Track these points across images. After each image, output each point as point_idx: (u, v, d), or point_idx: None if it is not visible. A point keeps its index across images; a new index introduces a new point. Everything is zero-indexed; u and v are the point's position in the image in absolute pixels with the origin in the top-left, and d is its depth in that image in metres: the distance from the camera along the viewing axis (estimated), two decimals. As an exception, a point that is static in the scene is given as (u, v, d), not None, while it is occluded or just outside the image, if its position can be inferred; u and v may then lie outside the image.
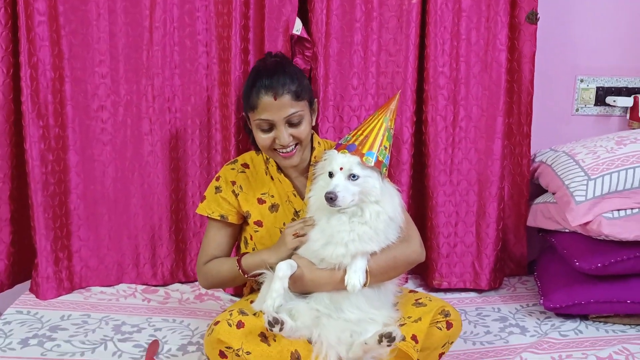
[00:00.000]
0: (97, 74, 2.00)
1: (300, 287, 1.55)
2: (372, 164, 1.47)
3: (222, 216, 1.70)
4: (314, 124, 1.69)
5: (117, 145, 2.06)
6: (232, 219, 1.71)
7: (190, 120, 2.08)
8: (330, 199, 1.43)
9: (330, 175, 1.48)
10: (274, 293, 1.48)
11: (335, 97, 2.05)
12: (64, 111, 1.99)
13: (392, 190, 1.55)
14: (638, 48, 2.23)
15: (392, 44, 2.04)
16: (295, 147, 1.63)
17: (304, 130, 1.62)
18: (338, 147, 1.52)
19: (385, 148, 1.51)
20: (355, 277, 1.50)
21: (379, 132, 1.50)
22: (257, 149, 1.74)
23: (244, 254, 1.65)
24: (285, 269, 1.49)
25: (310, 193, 1.57)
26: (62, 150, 2.00)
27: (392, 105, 1.53)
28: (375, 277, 1.53)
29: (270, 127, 1.60)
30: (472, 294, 2.14)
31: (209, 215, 1.71)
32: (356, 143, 1.48)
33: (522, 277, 2.27)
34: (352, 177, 1.45)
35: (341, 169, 1.46)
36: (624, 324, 1.88)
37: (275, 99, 1.57)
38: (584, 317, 1.92)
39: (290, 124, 1.60)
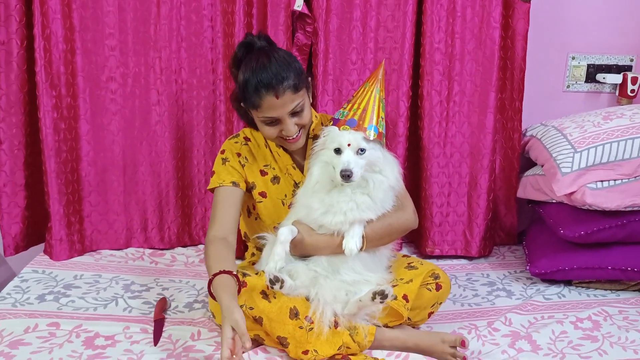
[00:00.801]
0: (107, 47, 2.09)
1: (300, 251, 1.65)
2: (375, 137, 1.56)
3: (233, 183, 1.73)
4: (311, 101, 1.74)
5: (126, 115, 2.15)
6: (242, 186, 1.75)
7: (195, 92, 2.17)
8: (347, 176, 1.50)
9: (337, 151, 1.54)
10: (275, 256, 1.58)
11: (335, 72, 2.13)
12: (75, 82, 2.08)
13: (392, 159, 1.64)
14: (628, 27, 2.29)
15: (390, 21, 2.12)
16: (299, 131, 1.69)
17: (306, 115, 1.67)
18: (337, 123, 1.58)
19: (382, 119, 1.59)
20: (353, 242, 1.60)
21: (374, 104, 1.57)
22: (254, 129, 1.79)
23: (221, 273, 1.51)
24: (286, 233, 1.59)
25: (314, 168, 1.63)
26: (73, 119, 2.10)
27: (379, 75, 1.59)
28: (371, 242, 1.64)
29: (276, 121, 1.64)
30: (463, 261, 2.25)
31: (221, 184, 1.73)
32: (355, 118, 1.55)
33: (511, 246, 2.38)
34: (360, 151, 1.53)
35: (349, 145, 1.53)
36: (605, 289, 1.99)
37: (278, 98, 1.58)
38: (568, 283, 2.03)
39: (294, 113, 1.64)
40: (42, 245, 2.20)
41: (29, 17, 1.99)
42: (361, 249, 1.61)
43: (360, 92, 1.60)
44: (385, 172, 1.60)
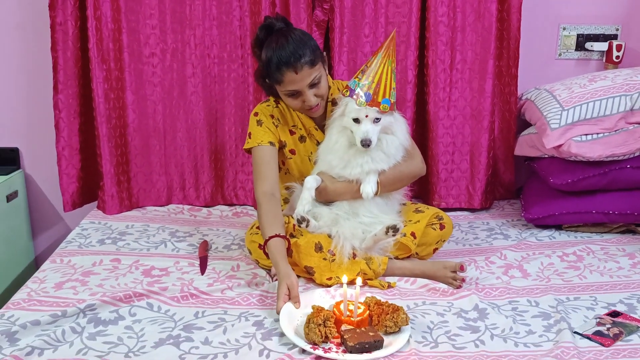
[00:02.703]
0: (149, 26, 2.37)
1: (324, 197, 1.92)
2: (388, 110, 1.80)
3: (270, 142, 1.94)
4: (327, 72, 1.97)
5: (166, 87, 2.43)
6: (277, 145, 1.97)
7: (226, 66, 2.45)
8: (367, 145, 1.77)
9: (356, 120, 1.79)
10: (303, 200, 1.86)
11: (350, 44, 2.40)
12: (122, 57, 2.36)
13: (401, 119, 1.91)
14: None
15: (399, -3, 2.37)
16: (319, 101, 1.92)
17: (323, 86, 1.90)
18: (352, 95, 1.79)
19: (394, 89, 1.82)
20: (369, 187, 1.87)
21: (387, 77, 1.79)
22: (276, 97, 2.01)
23: (276, 237, 1.75)
24: (312, 181, 1.88)
25: (333, 131, 1.87)
26: (120, 90, 2.39)
27: (391, 46, 1.81)
28: (385, 187, 1.91)
29: (297, 93, 1.86)
30: (466, 213, 2.52)
31: (259, 144, 1.92)
32: (370, 92, 1.77)
33: (510, 200, 2.65)
34: (376, 120, 1.79)
35: (367, 116, 1.78)
36: (591, 232, 2.25)
37: (297, 73, 1.80)
38: (559, 228, 2.29)
39: (312, 85, 1.85)
40: (94, 204, 2.51)
41: (82, 1, 2.28)
42: (376, 193, 1.88)
43: (374, 63, 1.78)
44: (396, 133, 1.87)
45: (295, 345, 1.47)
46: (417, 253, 1.95)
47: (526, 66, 2.49)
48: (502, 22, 2.42)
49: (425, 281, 1.84)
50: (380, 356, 1.43)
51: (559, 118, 2.17)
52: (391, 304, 1.56)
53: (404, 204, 2.08)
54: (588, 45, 2.53)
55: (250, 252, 1.97)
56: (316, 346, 1.45)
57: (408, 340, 1.48)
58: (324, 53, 1.96)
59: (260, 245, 1.88)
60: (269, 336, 1.51)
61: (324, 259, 1.82)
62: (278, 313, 1.57)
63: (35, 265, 2.62)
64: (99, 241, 2.12)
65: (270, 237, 1.76)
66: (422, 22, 2.41)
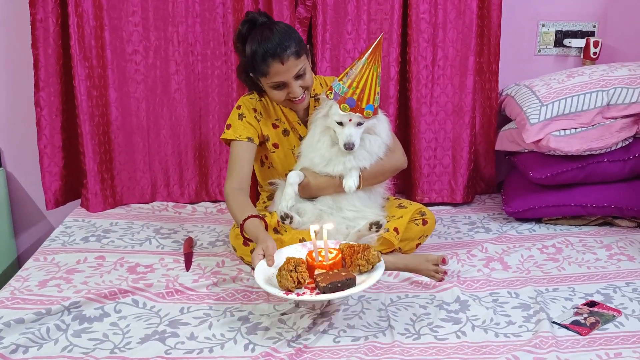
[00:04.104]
0: (131, 23, 2.36)
1: (307, 192, 1.94)
2: (372, 115, 1.82)
3: (249, 138, 1.96)
4: (311, 66, 1.99)
5: (149, 84, 2.43)
6: (256, 141, 1.99)
7: (209, 63, 2.45)
8: (350, 148, 1.80)
9: (339, 123, 1.81)
10: (286, 196, 1.88)
11: (332, 41, 2.41)
12: (104, 54, 2.35)
13: (384, 118, 1.93)
14: (591, -4, 2.58)
15: (381, -6, 2.39)
16: (304, 92, 1.94)
17: (309, 78, 1.92)
18: (337, 99, 1.79)
19: (378, 93, 1.82)
20: (351, 181, 1.89)
21: (372, 82, 1.79)
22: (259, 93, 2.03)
23: (251, 217, 1.77)
24: (294, 177, 1.90)
25: (316, 130, 1.88)
26: (103, 88, 2.38)
27: (377, 51, 1.78)
28: (367, 181, 1.93)
29: (283, 84, 1.88)
30: (449, 207, 2.55)
31: (237, 139, 1.94)
32: (354, 98, 1.78)
33: (491, 194, 2.69)
34: (359, 124, 1.82)
35: (350, 120, 1.80)
36: (570, 225, 2.30)
37: (283, 64, 1.82)
38: (538, 221, 2.34)
39: (297, 77, 1.88)
40: (77, 202, 2.50)
41: (62, -3, 2.27)
42: (359, 187, 1.91)
43: (359, 67, 1.77)
44: (379, 133, 1.90)
45: (279, 339, 1.49)
46: (400, 248, 1.98)
47: (506, 62, 2.52)
48: (483, 19, 2.45)
49: (408, 274, 1.87)
50: (353, 292, 1.45)
51: (538, 113, 2.21)
52: (362, 244, 1.58)
53: (387, 199, 2.11)
54: (566, 41, 2.57)
55: (234, 249, 1.98)
56: (289, 292, 1.46)
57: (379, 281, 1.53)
58: (308, 46, 1.97)
59: (245, 242, 1.90)
60: (254, 330, 1.53)
61: (309, 254, 1.84)
62: (253, 270, 1.57)
63: (17, 264, 2.60)
64: (83, 239, 2.12)
65: (245, 220, 1.76)
66: (404, 19, 2.43)
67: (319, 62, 2.42)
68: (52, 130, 2.36)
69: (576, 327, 1.54)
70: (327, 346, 1.48)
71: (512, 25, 2.53)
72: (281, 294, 1.45)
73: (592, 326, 1.54)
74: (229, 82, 2.46)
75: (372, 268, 1.56)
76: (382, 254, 1.92)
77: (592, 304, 1.67)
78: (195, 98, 2.48)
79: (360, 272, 1.54)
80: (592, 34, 2.58)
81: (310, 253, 1.60)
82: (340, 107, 1.79)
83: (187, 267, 1.91)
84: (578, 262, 1.96)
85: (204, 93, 2.48)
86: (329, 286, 1.44)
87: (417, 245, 2.04)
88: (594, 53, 2.50)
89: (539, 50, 2.62)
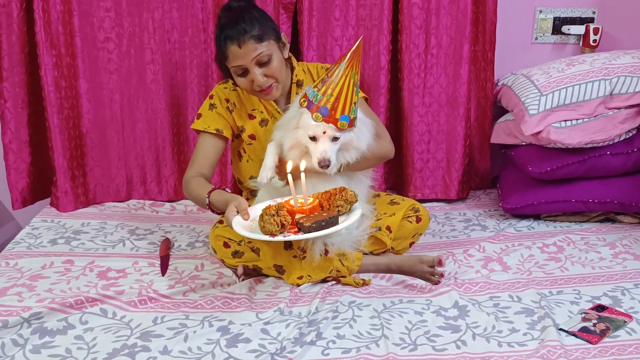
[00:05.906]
0: (102, 8, 2.20)
1: (284, 174, 1.74)
2: (346, 127, 1.60)
3: (217, 130, 1.83)
4: (286, 56, 1.82)
5: (123, 74, 2.27)
6: (227, 133, 1.86)
7: (188, 51, 2.29)
8: (327, 166, 1.58)
9: (313, 138, 1.59)
10: (266, 167, 1.67)
11: (319, 28, 2.27)
12: (74, 42, 2.19)
13: (362, 126, 1.68)
14: (591, -19, 2.46)
15: (370, -22, 2.25)
16: (272, 84, 1.76)
17: (275, 66, 1.74)
18: (310, 107, 1.59)
19: (355, 103, 1.61)
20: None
21: (348, 90, 1.58)
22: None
23: (216, 189, 1.68)
24: (273, 145, 1.69)
25: (288, 139, 1.65)
26: (73, 78, 2.22)
27: (355, 56, 1.57)
28: (349, 166, 1.71)
29: (245, 71, 1.73)
30: (442, 204, 2.43)
31: (205, 130, 1.83)
32: (328, 107, 1.58)
33: (486, 189, 2.57)
34: (335, 139, 1.61)
35: (324, 132, 1.59)
36: (570, 222, 2.18)
37: (240, 47, 1.69)
38: (537, 217, 2.22)
39: (260, 64, 1.72)
40: (47, 200, 2.34)
41: (27, -20, 2.10)
42: (339, 170, 1.69)
43: (336, 74, 1.58)
44: (358, 146, 1.67)
45: (262, 352, 1.35)
46: (392, 248, 1.85)
47: (501, 51, 2.40)
48: (478, 5, 2.32)
49: (402, 277, 1.74)
50: (338, 229, 1.46)
51: (537, 104, 2.08)
52: (337, 187, 1.57)
53: (377, 195, 1.98)
54: (565, 28, 2.45)
55: (215, 251, 1.84)
56: (274, 236, 1.44)
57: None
58: (283, 35, 1.82)
59: (225, 244, 1.77)
60: (234, 343, 1.39)
61: (294, 256, 1.71)
62: (229, 225, 1.51)
63: (-16, 267, 2.43)
64: (50, 241, 1.96)
65: (209, 193, 1.66)
66: (395, 5, 2.29)
67: (305, 51, 2.27)
68: (17, 124, 2.20)
69: (585, 334, 1.42)
70: (315, 359, 1.35)
71: (508, 11, 2.41)
72: (267, 237, 1.43)
73: (603, 333, 1.42)
74: (209, 71, 2.31)
75: (349, 210, 1.56)
76: (373, 254, 1.82)
77: (600, 308, 1.55)
78: (173, 89, 2.32)
79: (340, 213, 1.53)
80: (591, 20, 2.46)
81: (287, 202, 1.55)
82: (312, 116, 1.59)
83: (163, 272, 1.77)
84: (582, 262, 1.84)
85: (183, 83, 2.32)
86: (314, 225, 1.45)
87: (411, 244, 1.91)
88: (594, 40, 2.38)
89: (536, 38, 2.50)
